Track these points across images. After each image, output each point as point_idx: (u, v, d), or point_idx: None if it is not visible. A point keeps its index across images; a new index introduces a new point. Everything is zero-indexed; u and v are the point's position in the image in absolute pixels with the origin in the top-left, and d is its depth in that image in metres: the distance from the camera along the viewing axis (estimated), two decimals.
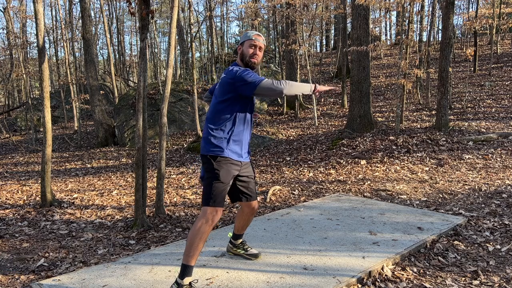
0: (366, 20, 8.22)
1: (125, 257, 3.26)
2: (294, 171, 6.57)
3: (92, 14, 20.45)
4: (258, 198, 5.14)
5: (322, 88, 2.51)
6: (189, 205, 5.09)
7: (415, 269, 2.90)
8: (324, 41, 29.69)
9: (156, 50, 25.45)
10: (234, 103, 2.56)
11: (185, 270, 2.45)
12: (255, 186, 2.90)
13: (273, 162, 7.37)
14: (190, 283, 2.46)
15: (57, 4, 15.17)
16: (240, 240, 3.07)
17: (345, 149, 7.38)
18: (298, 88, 2.41)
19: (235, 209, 4.74)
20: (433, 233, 3.43)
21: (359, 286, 2.68)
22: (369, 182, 5.58)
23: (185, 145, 10.10)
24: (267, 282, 2.65)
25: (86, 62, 11.51)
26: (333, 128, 9.94)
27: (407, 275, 2.81)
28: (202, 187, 2.63)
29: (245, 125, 2.66)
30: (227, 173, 2.58)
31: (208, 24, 21.89)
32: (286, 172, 6.59)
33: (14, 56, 17.59)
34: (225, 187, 2.57)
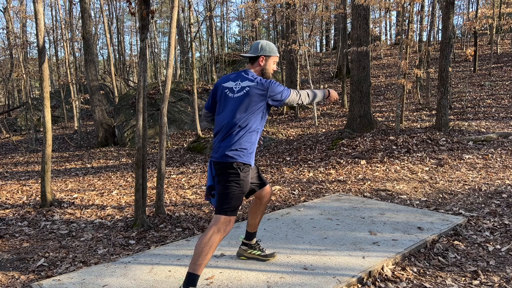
0: (366, 20, 8.22)
1: (125, 257, 3.26)
2: (294, 171, 6.57)
3: (92, 14, 20.44)
4: None
5: (334, 95, 2.81)
6: (189, 205, 5.09)
7: (415, 269, 2.90)
8: (324, 41, 29.71)
9: (156, 50, 25.46)
10: (258, 111, 2.56)
11: (192, 279, 2.32)
12: (261, 173, 2.91)
13: (273, 162, 7.37)
14: None
15: (57, 4, 15.18)
16: (255, 239, 3.02)
17: (345, 149, 7.38)
18: (315, 98, 2.73)
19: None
20: (433, 233, 3.43)
21: (359, 286, 2.68)
22: (369, 182, 5.58)
23: (185, 145, 10.11)
24: (267, 282, 2.65)
25: (86, 62, 11.52)
26: (333, 128, 9.94)
27: (407, 275, 2.81)
28: (216, 195, 2.54)
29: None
30: (248, 182, 2.56)
31: (208, 24, 21.88)
32: (286, 172, 6.59)
33: (14, 56, 17.58)
34: (243, 196, 2.55)
